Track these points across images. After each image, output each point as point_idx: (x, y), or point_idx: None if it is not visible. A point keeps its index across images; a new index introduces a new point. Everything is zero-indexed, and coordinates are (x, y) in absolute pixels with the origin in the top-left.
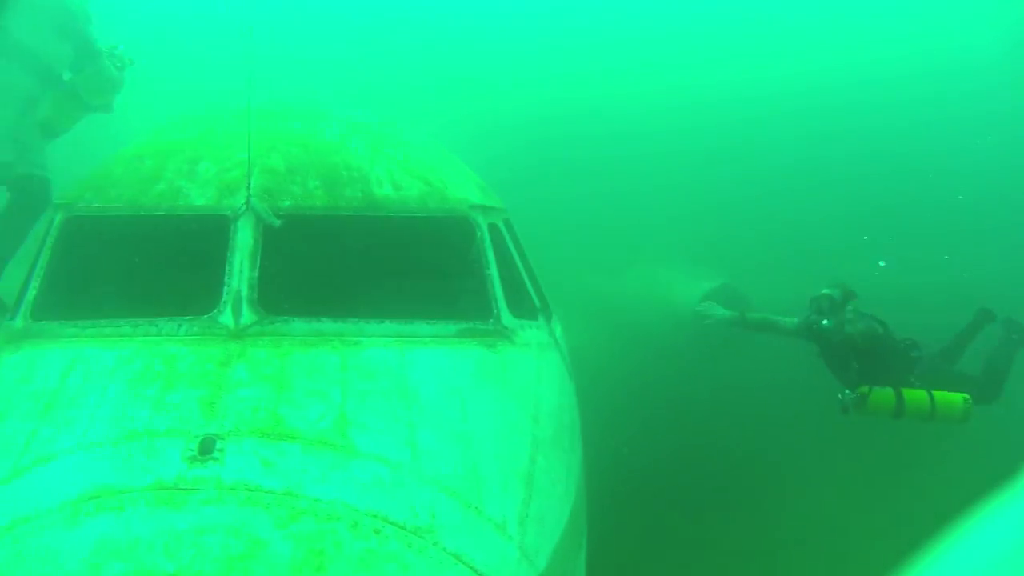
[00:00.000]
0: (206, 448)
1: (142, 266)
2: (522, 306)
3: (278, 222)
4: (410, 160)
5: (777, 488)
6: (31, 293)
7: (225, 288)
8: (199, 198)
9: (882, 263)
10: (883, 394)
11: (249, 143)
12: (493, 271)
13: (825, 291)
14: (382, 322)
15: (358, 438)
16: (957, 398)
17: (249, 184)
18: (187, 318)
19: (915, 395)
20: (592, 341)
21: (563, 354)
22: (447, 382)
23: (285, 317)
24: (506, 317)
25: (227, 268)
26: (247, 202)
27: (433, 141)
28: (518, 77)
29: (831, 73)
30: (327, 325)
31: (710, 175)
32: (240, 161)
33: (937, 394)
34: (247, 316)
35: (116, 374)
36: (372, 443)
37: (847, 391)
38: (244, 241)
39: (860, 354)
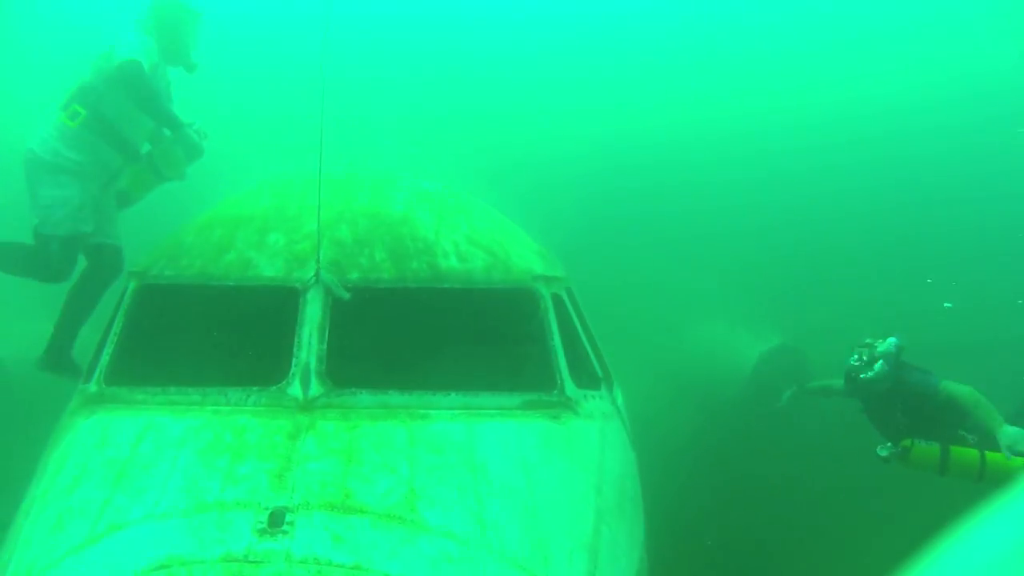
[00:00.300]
0: (276, 521)
1: (212, 335)
2: (585, 376)
3: (347, 295)
4: (474, 230)
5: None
6: (105, 358)
7: (294, 360)
8: (268, 269)
9: (948, 304)
10: (928, 449)
11: (319, 216)
12: (556, 342)
13: (866, 341)
14: (448, 394)
15: (427, 512)
16: (1016, 461)
17: (318, 257)
18: (256, 388)
19: (964, 452)
20: (653, 403)
21: (625, 422)
22: (513, 455)
23: (353, 389)
24: (570, 388)
25: (296, 340)
26: (316, 275)
27: (494, 210)
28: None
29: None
30: (394, 398)
31: (762, 223)
32: (309, 233)
33: (991, 455)
34: (315, 388)
35: (186, 444)
36: (440, 517)
37: (889, 444)
38: (313, 313)
39: (906, 407)
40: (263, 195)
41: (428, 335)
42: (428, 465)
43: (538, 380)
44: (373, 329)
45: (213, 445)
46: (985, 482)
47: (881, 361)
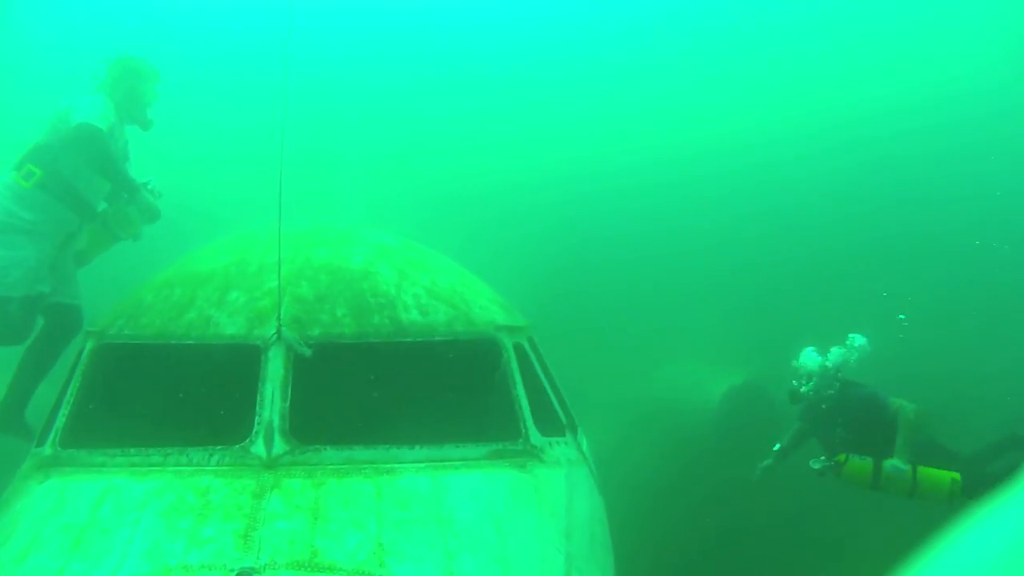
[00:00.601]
0: None
1: (172, 395)
2: (550, 423)
3: (309, 351)
4: (435, 283)
5: None
6: (60, 420)
7: (257, 418)
8: (230, 327)
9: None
10: (861, 463)
11: (279, 273)
12: (520, 391)
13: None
14: (413, 448)
15: (396, 568)
16: (944, 476)
17: (279, 314)
18: (219, 448)
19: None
20: (623, 447)
21: (591, 468)
22: (481, 505)
23: (317, 446)
24: (534, 436)
25: (258, 398)
26: (278, 332)
27: (454, 262)
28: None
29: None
30: (359, 453)
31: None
32: (270, 290)
33: (923, 469)
34: (279, 446)
35: (148, 506)
36: (410, 573)
37: (823, 457)
38: (275, 371)
39: (847, 420)
40: (223, 251)
41: (392, 389)
42: (396, 520)
43: (503, 430)
44: (336, 385)
45: (176, 507)
46: (917, 497)
47: (816, 379)
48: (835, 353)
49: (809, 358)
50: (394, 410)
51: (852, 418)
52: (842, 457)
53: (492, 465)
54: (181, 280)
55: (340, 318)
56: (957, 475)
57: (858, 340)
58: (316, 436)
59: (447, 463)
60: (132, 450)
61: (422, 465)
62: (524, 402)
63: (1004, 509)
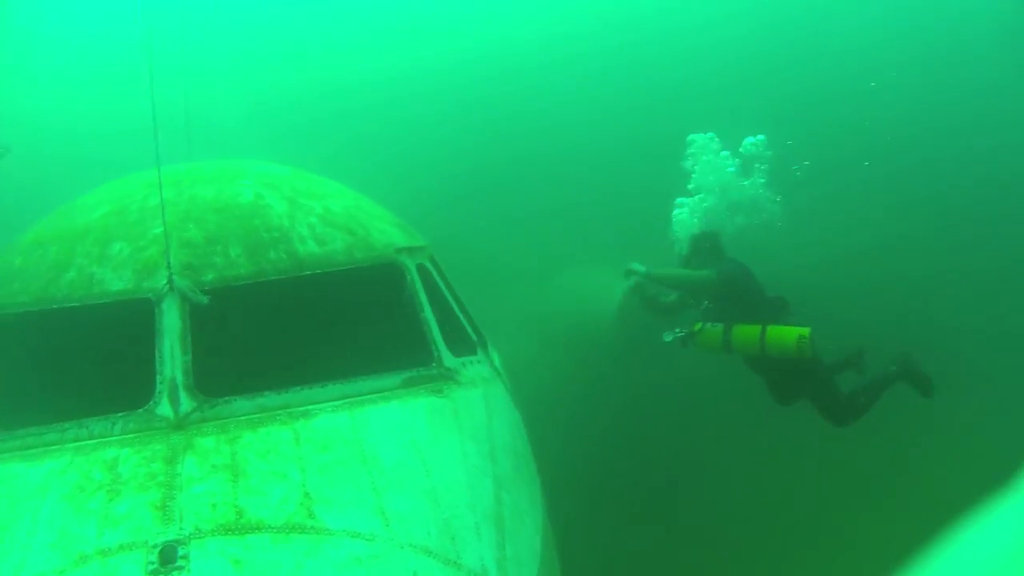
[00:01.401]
0: (167, 557)
1: (61, 365)
2: (461, 343)
3: (205, 299)
4: (330, 210)
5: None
6: None
7: (158, 377)
8: (116, 283)
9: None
10: (713, 330)
11: (164, 217)
12: (428, 313)
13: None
14: (326, 386)
15: (326, 516)
16: (792, 332)
17: (168, 262)
18: (120, 415)
19: (745, 329)
20: (530, 355)
21: (506, 383)
22: (403, 438)
23: (227, 398)
24: (447, 358)
25: (157, 355)
26: (169, 282)
27: (346, 187)
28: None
29: None
30: (272, 399)
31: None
32: (155, 237)
33: (771, 328)
34: (186, 404)
35: (50, 491)
36: (342, 519)
37: (676, 329)
38: (171, 324)
39: (716, 296)
40: (99, 200)
41: (297, 327)
42: (319, 465)
43: (415, 355)
44: (238, 330)
45: (82, 486)
46: (769, 353)
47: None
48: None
49: (681, 225)
50: (302, 349)
51: (720, 293)
52: (697, 326)
53: (409, 394)
54: (54, 237)
55: (234, 259)
56: (806, 331)
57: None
58: (224, 388)
59: (363, 397)
60: (22, 432)
61: (338, 403)
62: (433, 324)
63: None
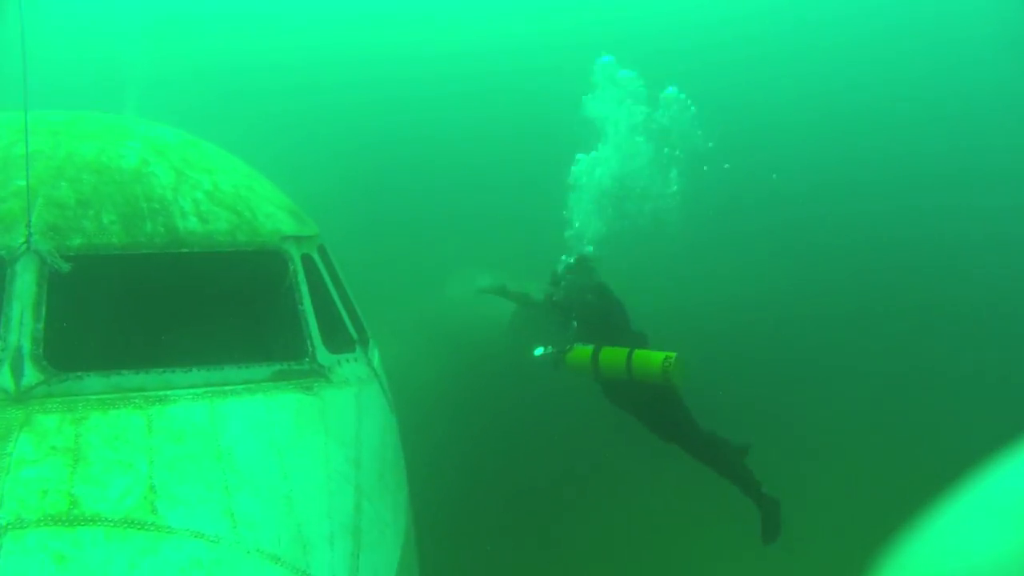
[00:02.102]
0: None
1: None
2: (338, 339)
3: (67, 265)
4: (218, 187)
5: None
6: None
7: (1, 343)
8: None
9: None
10: (582, 351)
11: (28, 170)
12: (307, 306)
13: (563, 258)
14: (189, 370)
15: (170, 513)
16: (657, 356)
17: (30, 220)
18: None
19: (613, 352)
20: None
21: (383, 385)
22: (263, 436)
23: (78, 373)
24: (322, 355)
25: (2, 319)
26: (27, 241)
27: (241, 162)
28: None
29: None
30: (129, 379)
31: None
32: (18, 190)
33: (638, 351)
34: (31, 376)
35: None
36: (186, 517)
37: (549, 346)
38: (24, 287)
39: (581, 318)
40: None
41: (165, 306)
42: (170, 457)
43: (288, 348)
44: (101, 302)
45: None
46: (635, 377)
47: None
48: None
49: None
50: (169, 329)
51: (587, 316)
52: (569, 347)
53: (276, 388)
54: None
55: (107, 226)
56: (672, 354)
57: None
58: (77, 362)
59: (227, 388)
60: None
61: (199, 391)
62: (312, 318)
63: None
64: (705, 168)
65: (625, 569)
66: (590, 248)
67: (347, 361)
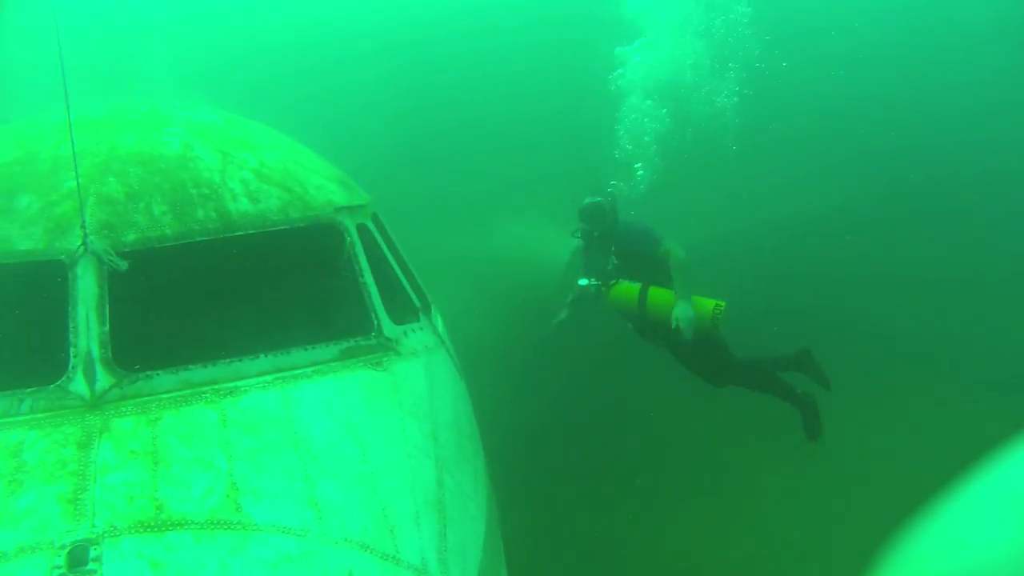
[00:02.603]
0: (77, 559)
1: None
2: (402, 309)
3: (124, 264)
4: (265, 165)
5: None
6: None
7: (72, 349)
8: (23, 241)
9: None
10: (628, 288)
11: (76, 168)
12: (368, 278)
13: (587, 200)
14: (256, 358)
15: (254, 509)
16: (708, 304)
17: (84, 220)
18: (29, 391)
19: (661, 293)
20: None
21: (450, 350)
22: (338, 418)
23: (148, 373)
24: (388, 327)
25: (71, 325)
26: (84, 242)
27: (285, 136)
28: None
29: None
30: (197, 373)
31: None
32: (70, 191)
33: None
34: (103, 380)
35: None
36: (270, 512)
37: (593, 279)
38: (87, 290)
39: (620, 250)
40: (2, 146)
41: (225, 293)
42: (247, 450)
43: (353, 324)
44: (162, 297)
45: None
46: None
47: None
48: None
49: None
50: (231, 316)
51: (624, 248)
52: (614, 282)
53: (345, 367)
54: None
55: (159, 218)
56: (722, 303)
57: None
58: (145, 361)
59: (296, 371)
60: None
61: (269, 378)
62: (374, 289)
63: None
64: (758, 66)
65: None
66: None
67: (413, 331)
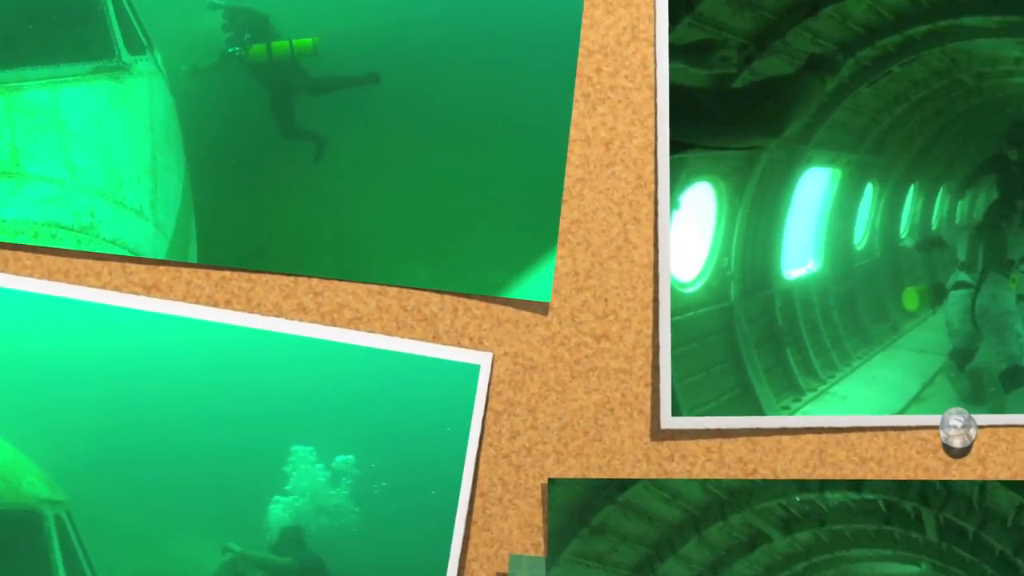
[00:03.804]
0: None
1: None
2: (135, 45)
3: None
4: None
5: None
6: None
7: None
8: None
9: None
10: None
11: None
12: (109, 8)
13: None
14: (37, 68)
15: (28, 165)
16: None
17: None
18: None
19: None
20: None
21: (166, 78)
22: (88, 109)
23: None
24: (125, 55)
25: None
26: None
27: None
28: None
29: None
30: None
31: None
32: None
33: None
34: None
35: None
36: (39, 167)
37: None
38: None
39: None
40: None
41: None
42: (24, 127)
43: (101, 50)
44: None
45: None
46: None
47: None
48: None
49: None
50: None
51: None
52: None
53: (96, 79)
54: None
55: None
56: None
57: None
58: None
59: (63, 79)
60: None
61: (44, 82)
62: (116, 27)
63: None
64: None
65: None
66: None
67: (142, 60)
